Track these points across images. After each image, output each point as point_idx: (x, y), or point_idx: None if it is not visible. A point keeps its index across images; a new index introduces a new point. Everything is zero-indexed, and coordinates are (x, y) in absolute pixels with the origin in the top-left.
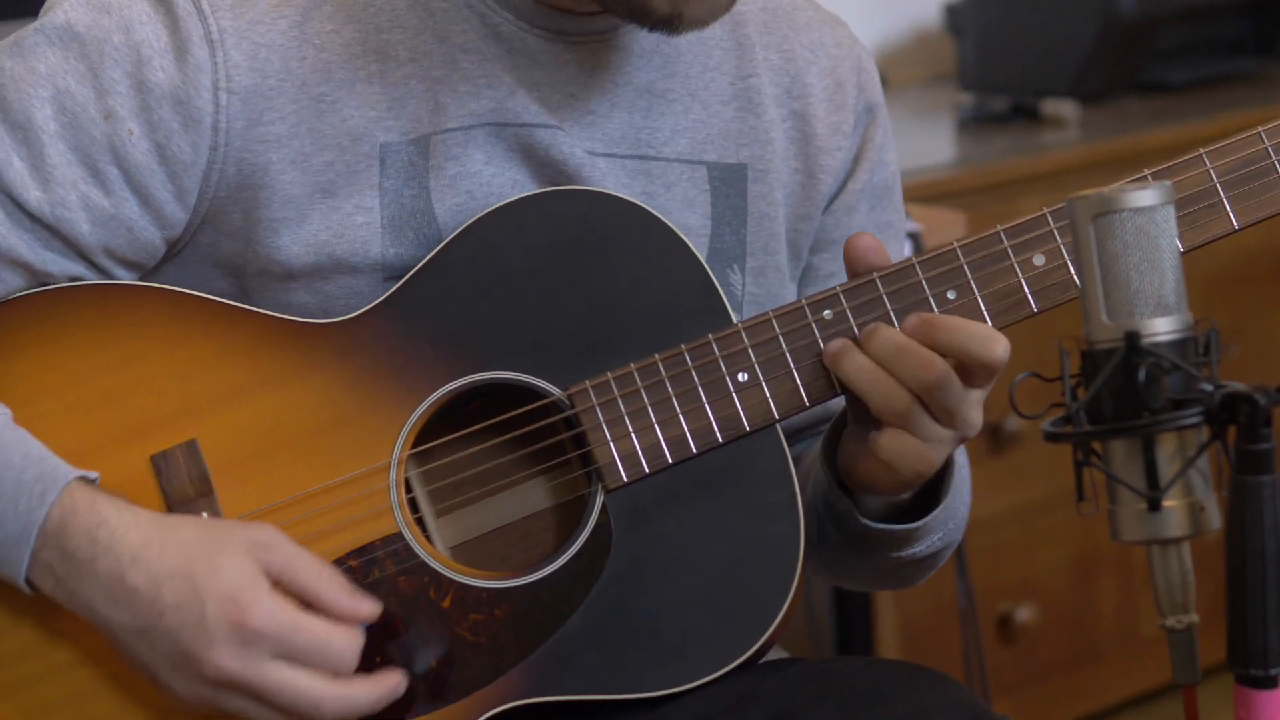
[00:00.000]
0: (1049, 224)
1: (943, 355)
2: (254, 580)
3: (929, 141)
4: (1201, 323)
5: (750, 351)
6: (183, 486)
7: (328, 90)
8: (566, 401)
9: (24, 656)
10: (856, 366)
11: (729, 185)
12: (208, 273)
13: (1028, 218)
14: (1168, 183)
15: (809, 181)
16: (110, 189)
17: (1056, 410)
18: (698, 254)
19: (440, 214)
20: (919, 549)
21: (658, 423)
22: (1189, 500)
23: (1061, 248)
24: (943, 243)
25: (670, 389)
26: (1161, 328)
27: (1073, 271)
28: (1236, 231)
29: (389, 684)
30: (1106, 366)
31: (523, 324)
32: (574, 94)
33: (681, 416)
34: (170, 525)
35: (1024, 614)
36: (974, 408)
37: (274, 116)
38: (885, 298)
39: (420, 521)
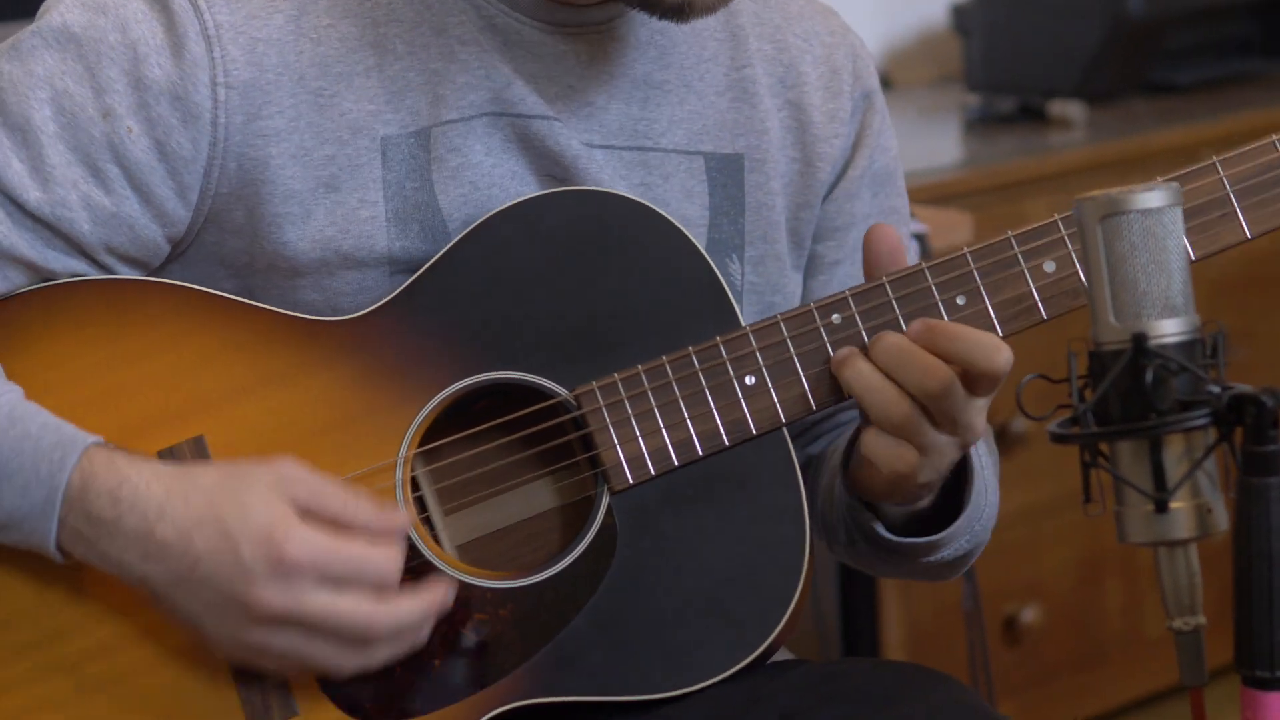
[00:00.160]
0: (1060, 230)
1: (946, 362)
2: (284, 514)
3: (935, 142)
4: (1209, 324)
5: (758, 355)
6: None
7: (326, 84)
8: (573, 403)
9: (56, 638)
10: (856, 372)
11: (726, 175)
12: (213, 272)
13: (1038, 224)
14: (1175, 184)
15: (807, 170)
16: (111, 187)
17: (1064, 411)
18: (706, 255)
19: (444, 205)
20: (945, 554)
21: (664, 426)
22: (1196, 502)
23: (1073, 255)
24: (949, 244)
25: (677, 391)
26: (1169, 329)
27: (1082, 277)
28: (1249, 240)
29: (435, 595)
30: (1114, 368)
31: (531, 324)
32: (571, 85)
33: (688, 419)
34: (189, 474)
35: (1030, 615)
36: (977, 414)
37: (273, 111)
38: (894, 302)
39: (426, 520)
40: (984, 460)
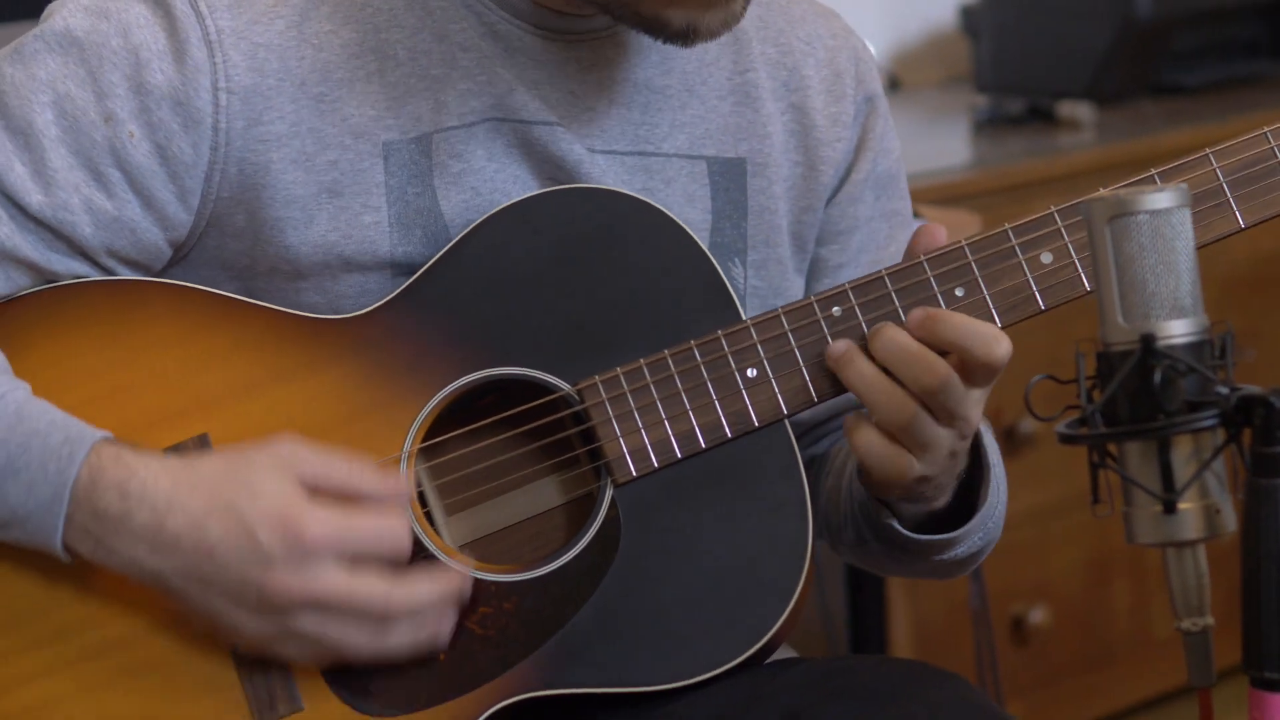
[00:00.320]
0: (1056, 222)
1: (945, 350)
2: (295, 494)
3: (944, 143)
4: (1217, 325)
5: (759, 347)
6: None
7: (327, 90)
8: (576, 397)
9: (62, 635)
10: (859, 374)
11: (728, 179)
12: (215, 275)
13: (1035, 216)
14: (1184, 185)
15: (810, 173)
16: (112, 191)
17: (1072, 412)
18: (706, 250)
19: (447, 211)
20: (958, 551)
21: (667, 418)
22: (1204, 503)
23: (1069, 246)
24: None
25: (679, 384)
26: (1177, 330)
27: (1080, 270)
28: (1243, 230)
29: (452, 581)
30: (1122, 369)
31: (533, 320)
32: (573, 91)
33: (691, 412)
34: (191, 464)
35: (1037, 616)
36: (974, 407)
37: (274, 116)
38: (893, 295)
39: (430, 516)
40: (995, 460)
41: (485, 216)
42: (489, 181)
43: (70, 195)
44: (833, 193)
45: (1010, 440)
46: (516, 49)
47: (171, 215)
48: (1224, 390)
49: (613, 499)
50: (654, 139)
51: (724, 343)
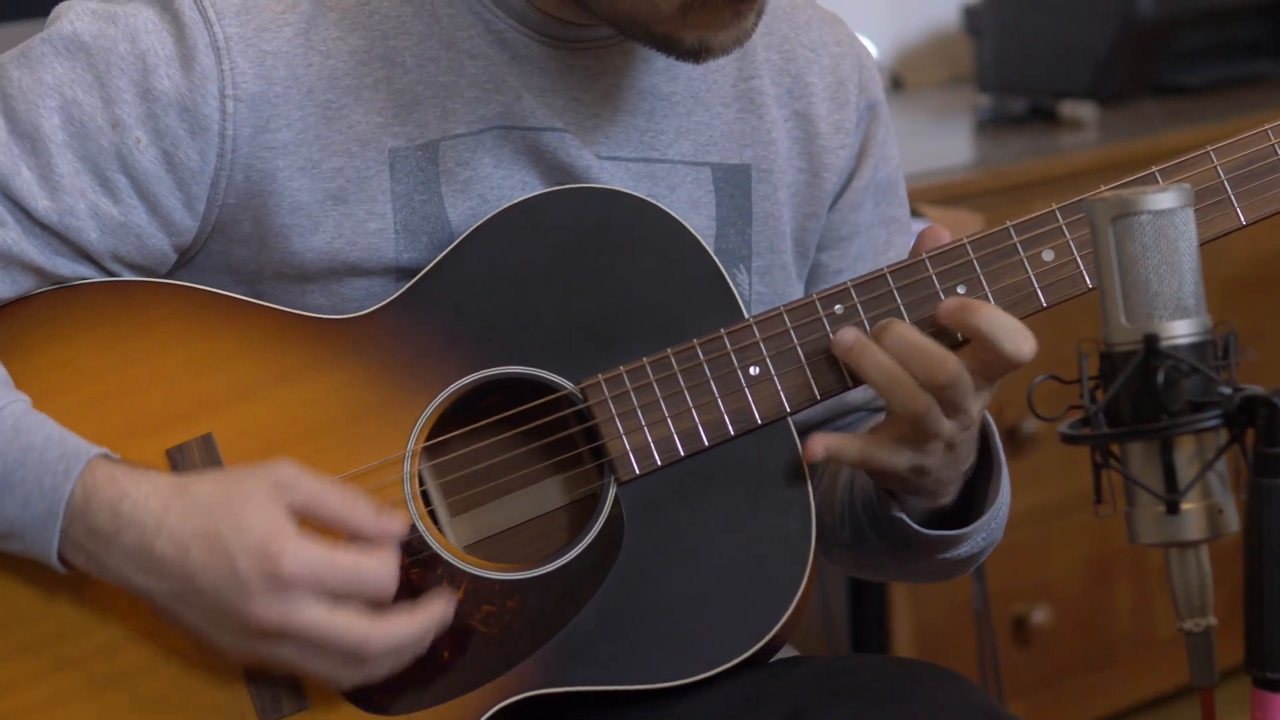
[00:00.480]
0: (1058, 219)
1: (973, 340)
2: (280, 526)
3: (946, 143)
4: (1220, 326)
5: (762, 345)
6: None
7: (334, 97)
8: (579, 395)
9: (67, 635)
10: (875, 364)
11: (733, 186)
12: (220, 279)
13: (1036, 214)
14: (1186, 185)
15: (814, 180)
16: (119, 197)
17: (1074, 412)
18: (709, 249)
19: (454, 218)
20: (961, 550)
21: (670, 416)
22: (1207, 503)
23: (1070, 243)
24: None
25: (682, 382)
26: (1180, 330)
27: (1082, 267)
28: (1244, 227)
29: (431, 614)
30: (1125, 369)
31: (536, 320)
32: (579, 98)
33: (694, 409)
34: (186, 487)
35: (1039, 616)
36: (977, 401)
37: (281, 123)
38: (895, 292)
39: (434, 515)
40: (1000, 460)
41: (488, 216)
42: (496, 188)
43: (76, 200)
44: (835, 199)
45: (1012, 440)
46: (523, 56)
47: (177, 221)
48: (1227, 390)
49: (616, 497)
50: (659, 145)
51: (726, 341)
